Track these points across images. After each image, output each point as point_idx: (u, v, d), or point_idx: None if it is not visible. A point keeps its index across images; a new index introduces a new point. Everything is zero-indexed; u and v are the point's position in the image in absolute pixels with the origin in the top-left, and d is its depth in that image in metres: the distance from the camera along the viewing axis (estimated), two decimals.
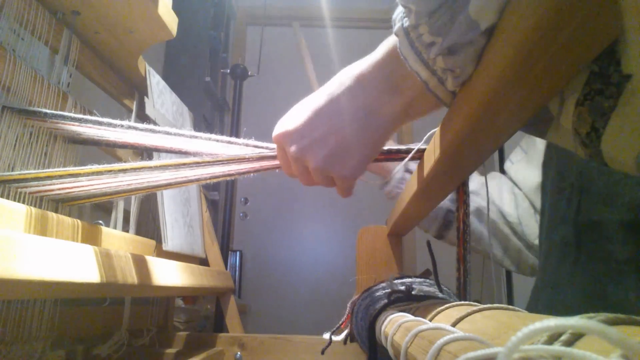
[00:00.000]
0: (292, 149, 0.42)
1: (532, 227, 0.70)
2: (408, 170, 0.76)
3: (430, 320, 0.32)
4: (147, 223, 0.86)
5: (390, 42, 0.38)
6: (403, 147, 0.50)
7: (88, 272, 0.39)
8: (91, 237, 0.55)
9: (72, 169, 0.49)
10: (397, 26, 0.32)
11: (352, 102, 0.40)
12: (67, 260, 0.36)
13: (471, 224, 0.71)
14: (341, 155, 0.41)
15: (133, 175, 0.50)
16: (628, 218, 0.42)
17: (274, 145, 0.48)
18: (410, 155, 0.49)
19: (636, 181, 0.41)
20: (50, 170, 0.49)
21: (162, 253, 0.77)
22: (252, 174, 0.52)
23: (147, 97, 0.82)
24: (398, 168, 0.73)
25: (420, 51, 0.31)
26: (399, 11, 0.32)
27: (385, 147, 0.52)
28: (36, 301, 0.55)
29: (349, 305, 0.65)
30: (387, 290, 0.54)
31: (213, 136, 0.51)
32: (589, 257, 0.47)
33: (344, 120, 0.40)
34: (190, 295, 1.35)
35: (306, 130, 0.41)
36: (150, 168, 0.49)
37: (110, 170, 0.48)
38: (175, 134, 0.52)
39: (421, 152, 0.49)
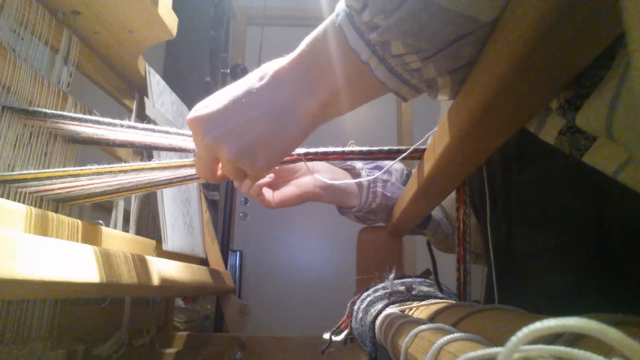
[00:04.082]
0: (207, 137, 0.40)
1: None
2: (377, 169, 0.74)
3: (430, 320, 0.32)
4: (147, 223, 0.86)
5: (307, 40, 0.38)
6: (403, 147, 0.50)
7: (88, 272, 0.39)
8: (91, 237, 0.55)
9: (72, 170, 0.49)
10: (340, 16, 0.35)
11: (270, 97, 0.39)
12: (67, 260, 0.36)
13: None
14: (255, 149, 0.40)
15: (133, 175, 0.50)
16: (567, 240, 0.40)
17: None
18: (406, 154, 0.49)
19: (580, 203, 0.39)
20: (50, 170, 0.49)
21: (162, 253, 0.77)
22: None
23: (147, 97, 0.82)
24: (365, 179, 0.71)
25: (362, 30, 0.33)
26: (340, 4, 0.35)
27: (385, 148, 0.52)
28: (36, 301, 0.55)
29: (348, 305, 0.65)
30: (387, 290, 0.54)
31: None
32: (524, 287, 0.45)
33: (261, 114, 0.39)
34: (190, 295, 1.35)
35: (221, 118, 0.40)
36: (150, 169, 0.49)
37: (111, 171, 0.48)
38: (174, 134, 0.52)
39: (421, 152, 0.49)
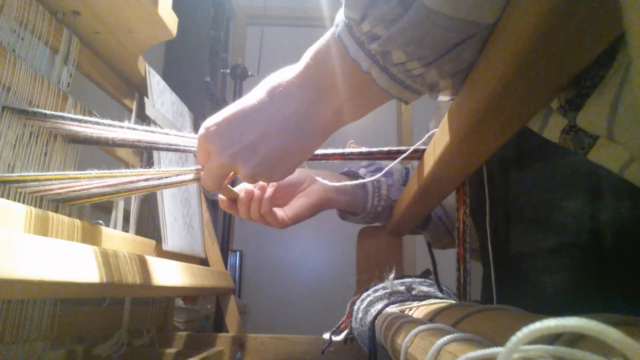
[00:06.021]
0: (222, 155, 0.41)
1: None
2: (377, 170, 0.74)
3: (430, 320, 0.32)
4: (147, 223, 0.86)
5: (311, 51, 0.38)
6: (403, 148, 0.50)
7: (88, 272, 0.39)
8: (91, 237, 0.55)
9: (72, 173, 0.49)
10: (340, 26, 0.34)
11: (283, 111, 0.39)
12: (67, 260, 0.36)
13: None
14: (272, 163, 0.40)
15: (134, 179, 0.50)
16: (563, 241, 0.40)
17: None
18: (406, 154, 0.49)
19: (575, 205, 0.39)
20: (50, 173, 0.49)
21: (162, 253, 0.77)
22: None
23: (147, 97, 0.82)
24: (368, 179, 0.71)
25: (362, 41, 0.33)
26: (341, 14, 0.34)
27: (385, 148, 0.52)
28: (36, 301, 0.55)
29: (348, 305, 0.65)
30: (387, 290, 0.54)
31: None
32: (520, 287, 0.46)
33: (275, 129, 0.39)
34: (190, 295, 1.35)
35: (235, 136, 0.40)
36: (150, 175, 0.49)
37: (112, 177, 0.48)
38: (174, 135, 0.52)
39: (421, 152, 0.49)
